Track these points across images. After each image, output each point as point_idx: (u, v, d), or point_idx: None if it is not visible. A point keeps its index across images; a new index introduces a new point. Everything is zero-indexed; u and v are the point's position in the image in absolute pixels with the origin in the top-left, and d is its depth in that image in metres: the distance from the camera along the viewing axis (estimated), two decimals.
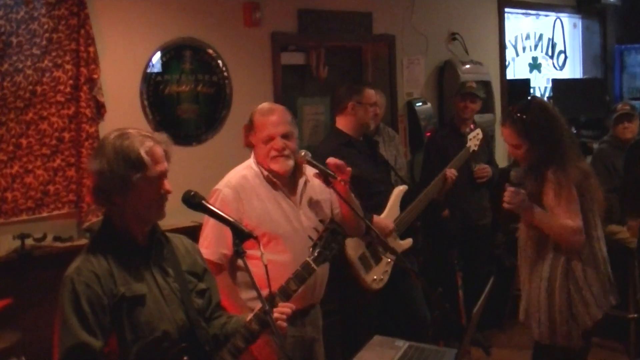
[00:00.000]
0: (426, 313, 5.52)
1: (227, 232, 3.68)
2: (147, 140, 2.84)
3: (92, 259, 2.78)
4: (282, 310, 3.05)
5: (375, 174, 5.32)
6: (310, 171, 4.04)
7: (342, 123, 5.35)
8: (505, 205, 4.09)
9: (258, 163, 3.97)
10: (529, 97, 4.39)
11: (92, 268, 2.75)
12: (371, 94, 5.39)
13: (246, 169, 3.98)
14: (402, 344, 3.48)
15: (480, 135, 5.87)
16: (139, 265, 2.88)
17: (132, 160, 2.77)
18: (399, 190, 5.33)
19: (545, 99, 9.43)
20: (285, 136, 3.90)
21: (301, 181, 4.05)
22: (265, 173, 3.92)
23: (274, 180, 3.93)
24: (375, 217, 5.06)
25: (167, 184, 2.88)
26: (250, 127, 3.97)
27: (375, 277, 5.07)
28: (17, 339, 4.14)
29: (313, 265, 3.25)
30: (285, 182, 3.99)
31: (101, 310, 2.71)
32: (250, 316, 3.05)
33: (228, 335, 3.05)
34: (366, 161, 5.30)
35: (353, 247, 5.00)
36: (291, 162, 3.91)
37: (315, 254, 3.28)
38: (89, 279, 2.72)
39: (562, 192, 3.96)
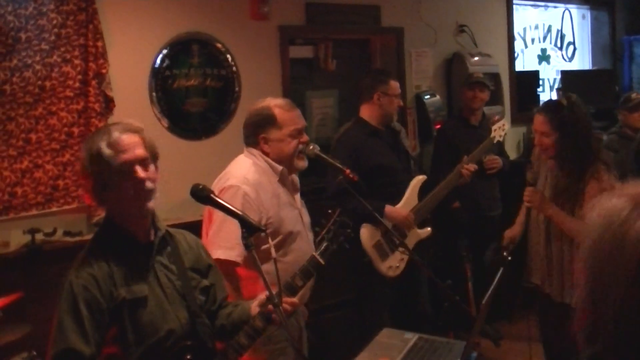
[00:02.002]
0: (426, 308, 5.55)
1: None
2: (113, 132, 2.78)
3: (91, 261, 2.75)
4: (285, 307, 2.97)
5: (398, 164, 5.40)
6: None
7: (367, 113, 5.43)
8: (527, 204, 4.51)
9: (272, 159, 3.92)
10: (566, 95, 4.59)
11: (91, 270, 2.71)
12: (396, 85, 5.47)
13: (253, 165, 3.91)
14: (412, 336, 3.48)
15: (507, 126, 5.81)
16: (141, 263, 2.85)
17: (93, 155, 2.74)
18: (418, 179, 5.36)
19: (555, 90, 9.42)
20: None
21: (297, 182, 4.07)
22: (279, 168, 3.90)
23: (287, 177, 3.94)
24: (390, 207, 5.10)
25: (140, 172, 2.77)
26: (270, 122, 3.90)
27: (390, 265, 5.10)
28: (27, 332, 4.16)
29: (320, 259, 3.19)
30: (289, 181, 4.01)
31: (99, 314, 2.68)
32: (254, 303, 3.02)
33: (235, 324, 3.02)
34: (389, 151, 5.40)
35: (368, 236, 5.04)
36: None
37: (322, 248, 3.21)
38: (87, 282, 2.69)
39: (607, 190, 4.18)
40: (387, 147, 5.39)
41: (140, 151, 2.80)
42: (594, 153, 4.33)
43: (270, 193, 3.84)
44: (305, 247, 3.82)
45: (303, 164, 3.97)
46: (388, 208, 5.11)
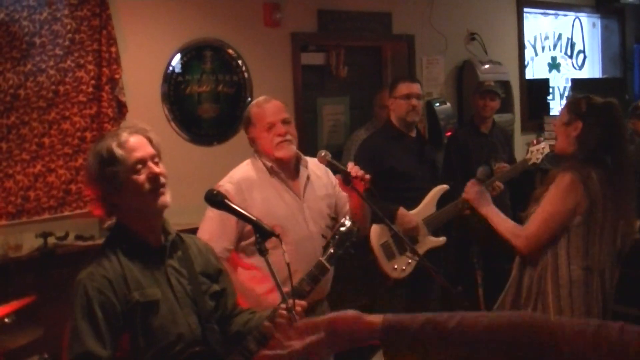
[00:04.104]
0: None
1: (230, 227, 3.71)
2: (121, 134, 2.84)
3: (104, 263, 2.75)
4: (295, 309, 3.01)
5: (416, 170, 5.34)
6: (312, 166, 4.08)
7: (391, 116, 5.45)
8: (464, 195, 4.42)
9: (261, 156, 3.97)
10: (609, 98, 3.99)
11: (105, 273, 2.72)
12: (405, 86, 5.39)
13: (248, 165, 3.99)
14: None
15: (547, 150, 5.39)
16: (153, 267, 2.85)
17: (104, 157, 2.77)
18: (438, 189, 5.28)
19: (564, 98, 9.42)
20: (285, 122, 3.92)
21: (303, 174, 4.07)
22: (269, 164, 3.93)
23: (278, 171, 3.95)
24: (402, 211, 5.08)
25: (154, 167, 2.83)
26: (248, 122, 3.97)
27: (395, 266, 5.04)
28: (39, 335, 4.17)
29: (326, 264, 3.22)
30: (289, 174, 4.02)
31: (114, 317, 2.68)
32: (266, 314, 3.04)
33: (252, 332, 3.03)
34: (410, 157, 5.36)
35: (377, 234, 5.01)
36: (294, 148, 3.94)
37: (329, 253, 3.23)
38: (102, 285, 2.69)
39: (554, 199, 3.81)
40: (409, 153, 5.35)
41: (150, 149, 2.86)
42: (593, 161, 3.80)
43: (255, 190, 3.87)
44: (303, 242, 3.83)
45: (282, 152, 3.87)
46: (401, 211, 5.08)
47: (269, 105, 3.96)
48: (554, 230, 3.82)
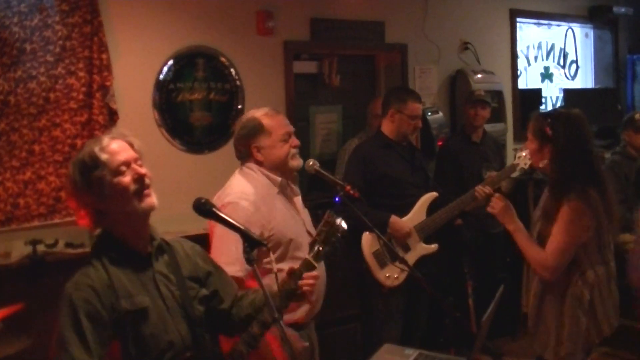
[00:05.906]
0: (420, 326, 5.51)
1: None
2: (102, 141, 2.81)
3: (90, 273, 2.72)
4: (308, 281, 3.08)
5: (409, 178, 5.37)
6: None
7: (384, 126, 5.44)
8: (489, 209, 4.27)
9: (267, 169, 3.93)
10: (567, 107, 4.11)
11: (91, 282, 2.68)
12: (415, 107, 5.37)
13: (251, 181, 3.91)
14: (412, 352, 3.45)
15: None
16: (141, 274, 2.83)
17: (88, 163, 2.75)
18: (428, 196, 5.30)
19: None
20: (294, 135, 4.00)
21: (297, 188, 4.08)
22: (278, 180, 3.92)
23: (286, 185, 3.95)
24: (394, 218, 5.10)
25: (139, 168, 2.81)
26: (259, 130, 3.91)
27: (388, 274, 5.06)
28: (28, 344, 4.15)
29: (313, 262, 3.14)
30: (290, 189, 4.03)
31: (101, 326, 2.65)
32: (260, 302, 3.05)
33: (261, 308, 3.03)
34: (402, 164, 5.38)
35: (369, 242, 5.03)
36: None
37: (315, 251, 3.17)
38: (88, 294, 2.65)
39: (569, 230, 3.90)
40: (400, 160, 5.37)
41: (132, 153, 2.84)
42: (577, 179, 3.91)
43: (271, 205, 3.85)
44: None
45: (297, 162, 3.96)
46: (393, 218, 5.10)
47: (281, 117, 4.01)
48: (573, 255, 3.94)
